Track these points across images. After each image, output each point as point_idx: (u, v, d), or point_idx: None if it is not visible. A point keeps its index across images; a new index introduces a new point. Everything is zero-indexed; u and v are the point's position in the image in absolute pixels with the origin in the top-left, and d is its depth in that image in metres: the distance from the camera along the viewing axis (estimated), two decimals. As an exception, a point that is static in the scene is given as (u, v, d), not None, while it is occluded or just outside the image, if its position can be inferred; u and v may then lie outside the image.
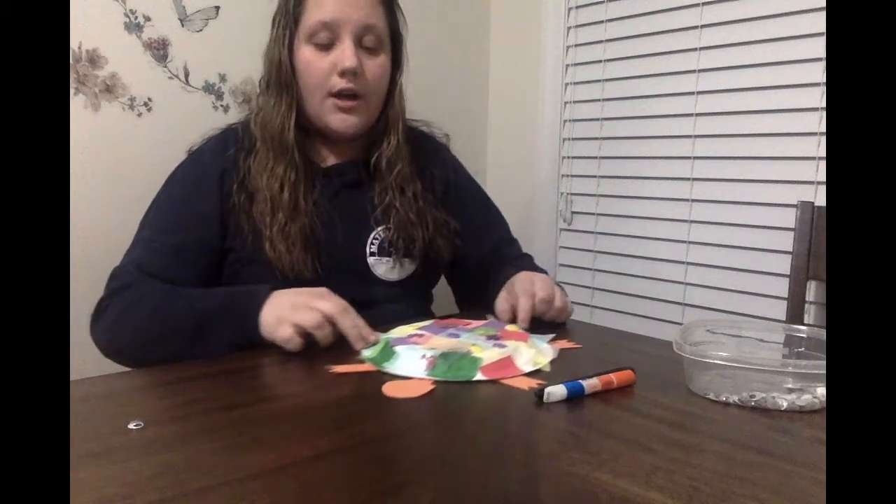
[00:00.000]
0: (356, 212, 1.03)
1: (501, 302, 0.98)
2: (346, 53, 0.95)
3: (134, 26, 1.28)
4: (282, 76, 0.98)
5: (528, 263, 1.15)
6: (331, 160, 1.05)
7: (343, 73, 0.96)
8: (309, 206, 0.97)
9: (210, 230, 0.97)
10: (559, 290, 1.01)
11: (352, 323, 0.83)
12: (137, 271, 0.92)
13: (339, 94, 0.98)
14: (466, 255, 1.13)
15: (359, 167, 1.05)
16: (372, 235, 1.03)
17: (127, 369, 0.83)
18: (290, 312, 0.80)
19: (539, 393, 0.67)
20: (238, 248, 0.97)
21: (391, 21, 1.02)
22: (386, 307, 1.00)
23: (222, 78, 1.39)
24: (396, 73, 1.05)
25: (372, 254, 1.03)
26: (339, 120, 0.99)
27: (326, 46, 0.97)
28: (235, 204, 0.97)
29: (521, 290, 0.96)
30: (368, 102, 1.00)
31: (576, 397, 0.68)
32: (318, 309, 0.80)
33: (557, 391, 0.67)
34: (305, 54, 0.97)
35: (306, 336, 0.80)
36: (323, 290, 0.84)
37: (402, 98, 1.06)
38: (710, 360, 0.69)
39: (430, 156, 1.12)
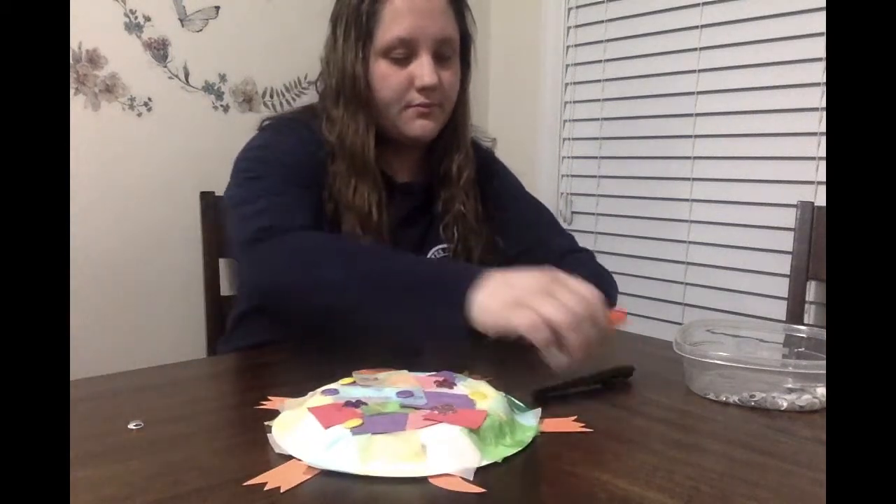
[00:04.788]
0: (422, 229, 1.02)
1: None
2: (425, 70, 0.93)
3: (134, 26, 1.28)
4: (357, 92, 0.95)
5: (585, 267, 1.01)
6: (402, 173, 1.03)
7: (422, 90, 0.94)
8: (392, 226, 0.95)
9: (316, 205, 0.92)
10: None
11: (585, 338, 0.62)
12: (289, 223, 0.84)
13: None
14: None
15: (431, 182, 1.03)
16: (433, 251, 1.02)
17: (127, 369, 0.83)
18: (529, 297, 0.63)
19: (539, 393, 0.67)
20: None
21: (462, 25, 1.00)
22: None
23: (222, 78, 1.40)
24: (466, 76, 1.03)
25: None
26: (418, 126, 0.96)
27: (402, 60, 0.94)
28: (327, 213, 0.94)
29: None
30: (444, 109, 0.99)
31: (576, 397, 0.68)
32: (567, 305, 0.62)
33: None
34: (381, 68, 0.94)
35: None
36: (564, 275, 0.66)
37: (469, 101, 1.04)
38: (710, 360, 0.69)
39: (484, 164, 1.09)
